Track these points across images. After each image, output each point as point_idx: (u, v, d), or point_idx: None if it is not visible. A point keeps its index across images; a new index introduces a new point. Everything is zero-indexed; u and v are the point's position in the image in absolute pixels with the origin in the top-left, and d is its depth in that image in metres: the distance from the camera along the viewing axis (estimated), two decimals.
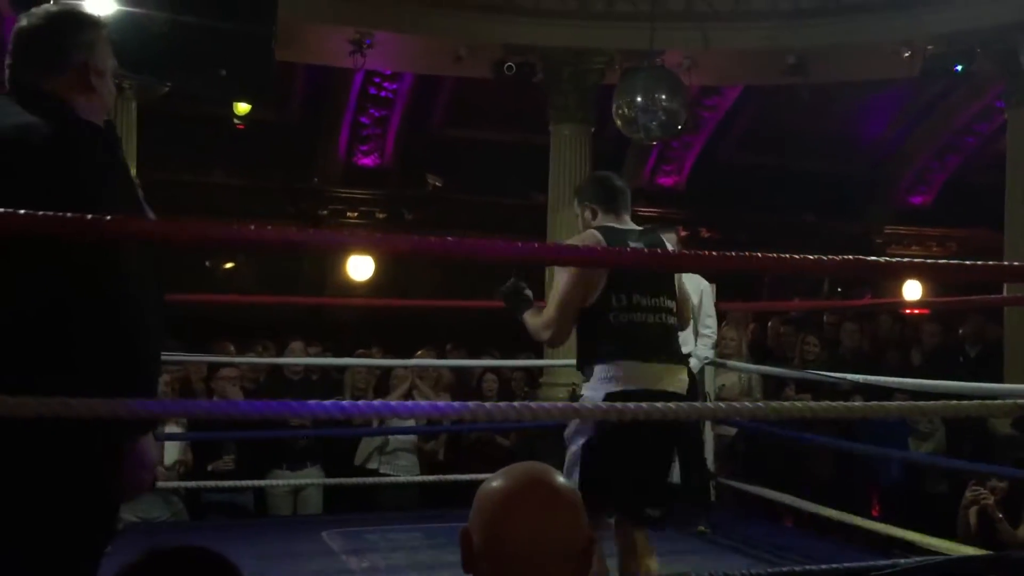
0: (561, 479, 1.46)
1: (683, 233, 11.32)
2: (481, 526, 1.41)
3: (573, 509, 1.43)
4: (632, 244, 3.38)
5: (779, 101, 10.67)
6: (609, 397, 3.22)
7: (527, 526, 1.38)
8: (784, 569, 3.10)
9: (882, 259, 2.83)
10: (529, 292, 3.52)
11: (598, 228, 3.41)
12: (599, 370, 3.31)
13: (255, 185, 11.08)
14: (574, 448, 3.30)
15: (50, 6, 2.15)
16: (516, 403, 2.17)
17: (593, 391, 3.31)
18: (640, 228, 3.63)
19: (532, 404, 2.32)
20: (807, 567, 3.06)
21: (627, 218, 3.56)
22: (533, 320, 3.46)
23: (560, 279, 3.37)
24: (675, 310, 3.49)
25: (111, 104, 2.11)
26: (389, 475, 6.20)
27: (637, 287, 3.37)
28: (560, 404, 2.59)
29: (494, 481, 1.44)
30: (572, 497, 1.44)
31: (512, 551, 1.38)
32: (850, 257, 2.26)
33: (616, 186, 3.60)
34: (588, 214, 3.53)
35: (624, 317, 3.33)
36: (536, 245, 2.41)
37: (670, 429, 3.35)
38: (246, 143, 10.48)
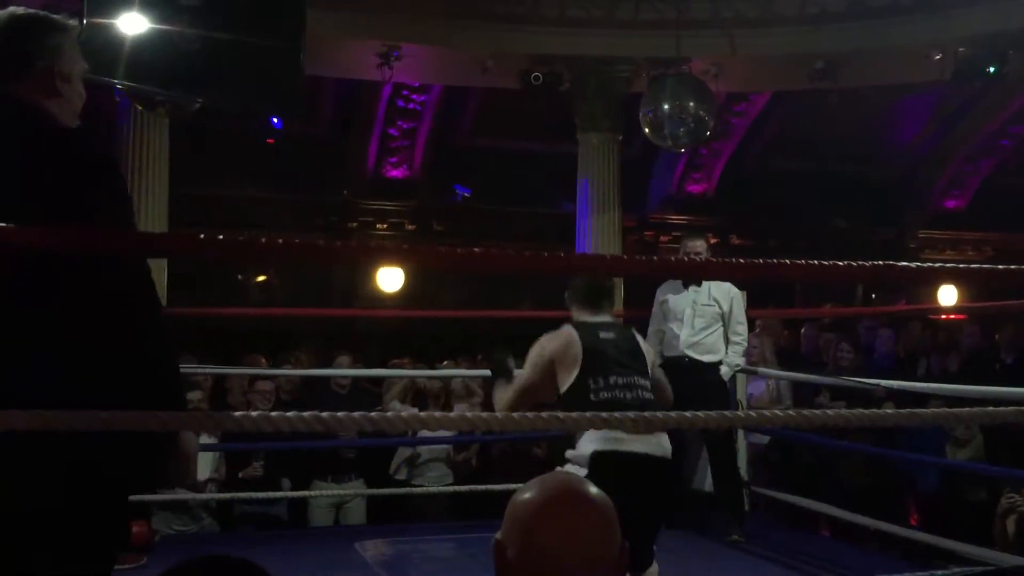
0: (594, 489, 1.45)
1: (713, 240, 11.27)
2: (514, 536, 1.40)
3: (607, 519, 1.42)
4: (602, 335, 3.60)
5: (808, 106, 10.61)
6: (596, 454, 3.34)
7: (561, 536, 1.37)
8: None
9: (914, 264, 2.79)
10: (512, 366, 3.77)
11: (573, 325, 3.68)
12: (587, 435, 3.42)
13: (285, 199, 11.17)
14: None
15: (15, 9, 2.05)
16: (545, 413, 2.17)
17: (581, 449, 3.42)
18: (612, 321, 3.85)
19: (561, 414, 2.31)
20: None
21: (605, 315, 3.77)
22: (498, 392, 3.69)
23: (528, 364, 3.62)
24: (650, 388, 3.61)
25: (79, 108, 2.06)
26: (421, 486, 6.21)
27: (611, 370, 3.53)
28: (588, 415, 2.57)
29: (527, 491, 1.44)
30: (605, 507, 1.43)
31: (546, 562, 1.37)
32: (881, 263, 2.24)
33: (598, 288, 3.79)
34: (572, 310, 3.80)
35: (605, 395, 3.47)
36: (560, 256, 2.40)
37: (656, 496, 3.46)
38: (276, 157, 10.57)
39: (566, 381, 3.50)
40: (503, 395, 3.64)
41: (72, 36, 2.07)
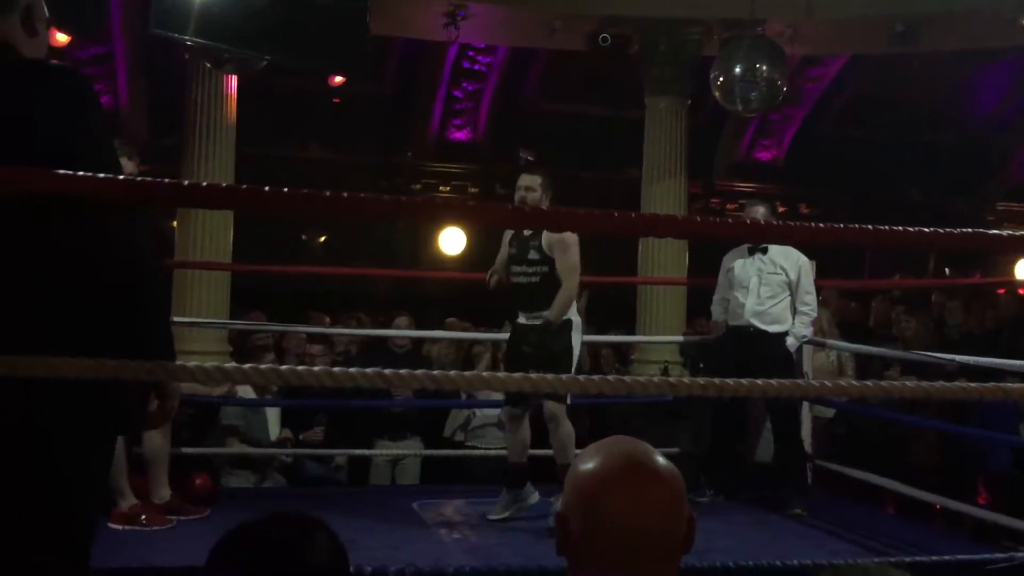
0: (662, 458, 1.39)
1: (781, 209, 11.04)
2: (577, 509, 1.34)
3: (675, 491, 1.35)
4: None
5: (885, 72, 10.26)
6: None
7: (627, 510, 1.31)
8: (892, 559, 2.97)
9: (997, 232, 2.66)
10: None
11: None
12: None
13: (349, 159, 11.22)
14: None
15: None
16: (611, 376, 2.11)
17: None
18: None
19: (627, 378, 2.26)
20: (916, 558, 2.92)
21: None
22: (560, 303, 4.56)
23: (572, 254, 4.57)
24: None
25: (46, 50, 2.11)
26: (478, 448, 6.24)
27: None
28: (656, 379, 2.51)
29: (589, 460, 1.37)
30: (673, 478, 1.36)
31: (612, 534, 1.31)
32: (956, 231, 2.11)
33: None
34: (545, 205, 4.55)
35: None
36: (633, 216, 2.34)
37: None
38: (341, 118, 10.60)
39: None
40: (564, 293, 4.55)
41: None
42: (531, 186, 4.59)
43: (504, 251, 4.85)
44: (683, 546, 1.35)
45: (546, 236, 4.60)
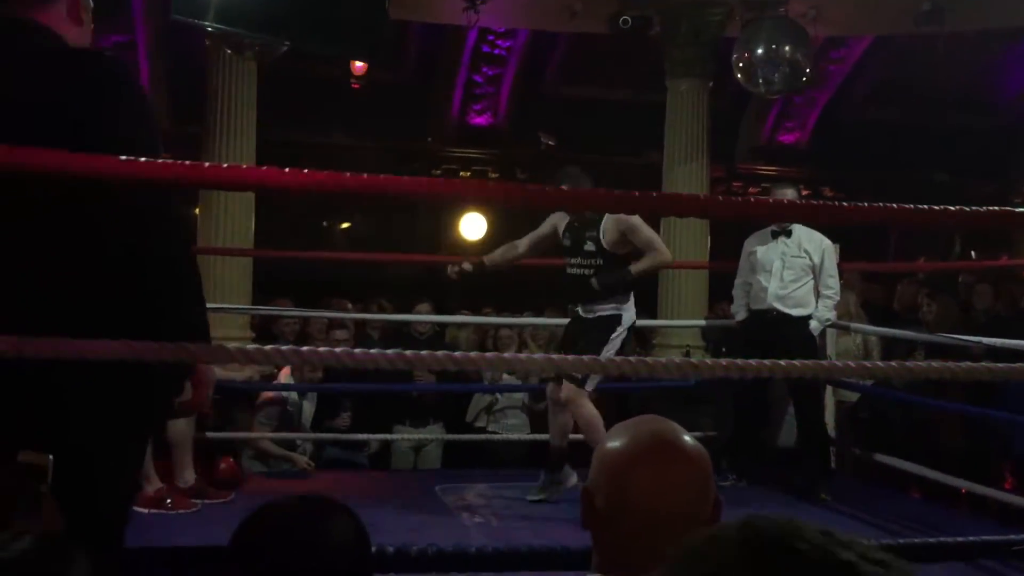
0: (690, 438, 1.37)
1: (804, 192, 10.94)
2: (603, 487, 1.33)
3: (703, 472, 1.34)
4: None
5: (911, 52, 10.12)
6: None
7: (654, 490, 1.30)
8: (916, 540, 2.95)
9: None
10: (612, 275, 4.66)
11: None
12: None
13: (369, 145, 11.22)
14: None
15: None
16: (633, 357, 2.10)
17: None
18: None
19: (648, 359, 2.24)
20: (940, 539, 2.90)
21: None
22: (648, 262, 4.67)
23: (645, 229, 4.61)
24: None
25: (90, 41, 2.11)
26: (497, 433, 6.25)
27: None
28: (677, 360, 2.49)
29: (617, 438, 1.36)
30: (701, 459, 1.35)
31: (636, 515, 1.30)
32: (983, 209, 2.08)
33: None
34: None
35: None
36: (654, 195, 2.32)
37: None
38: (361, 103, 10.59)
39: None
40: (652, 258, 4.64)
41: None
42: None
43: (539, 238, 4.97)
44: (710, 525, 1.34)
45: (607, 225, 4.61)
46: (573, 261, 4.70)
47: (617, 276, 4.58)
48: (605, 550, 1.34)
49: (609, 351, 4.60)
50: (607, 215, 4.61)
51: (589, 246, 4.63)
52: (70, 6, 2.02)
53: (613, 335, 4.62)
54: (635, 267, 4.62)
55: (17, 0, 1.97)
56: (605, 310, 4.65)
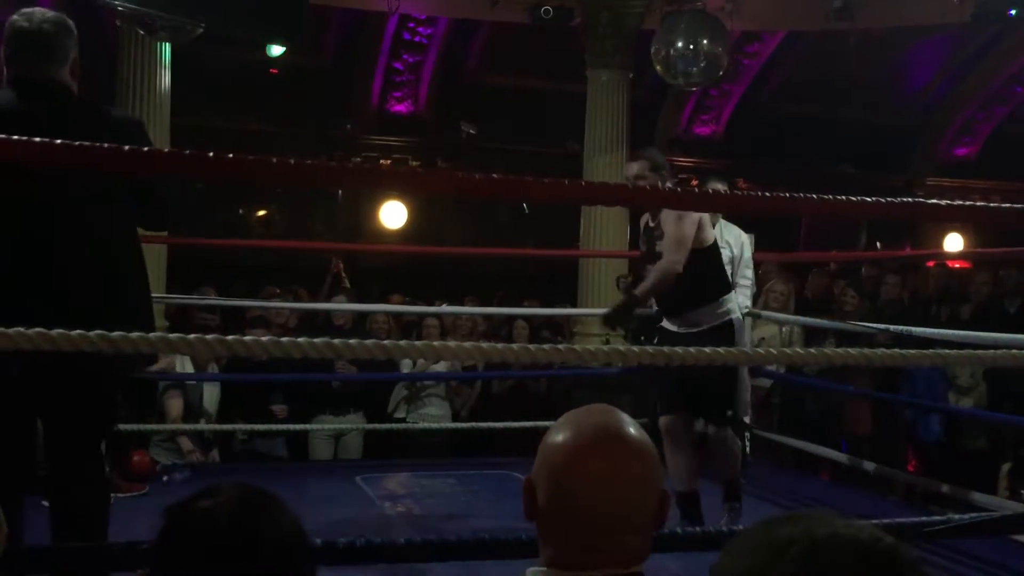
0: (635, 430, 1.34)
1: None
2: (547, 478, 1.31)
3: (647, 465, 1.32)
4: None
5: (822, 48, 10.40)
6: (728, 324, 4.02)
7: (595, 484, 1.28)
8: None
9: (927, 200, 2.72)
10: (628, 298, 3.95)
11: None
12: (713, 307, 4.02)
13: (287, 132, 11.03)
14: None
15: (46, 12, 2.80)
16: (561, 345, 2.11)
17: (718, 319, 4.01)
18: None
19: (577, 347, 2.26)
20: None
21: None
22: (657, 276, 3.88)
23: (680, 228, 3.84)
24: None
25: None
26: (419, 423, 6.23)
27: None
28: (606, 348, 2.52)
29: (560, 431, 1.33)
30: (646, 452, 1.32)
31: (578, 511, 1.28)
32: (894, 200, 2.16)
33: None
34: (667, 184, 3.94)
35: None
36: (582, 184, 2.33)
37: None
38: (279, 89, 10.41)
39: (705, 242, 3.96)
40: (662, 267, 3.84)
41: None
42: (640, 174, 3.88)
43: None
44: (653, 521, 1.32)
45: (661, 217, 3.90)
46: (651, 267, 3.96)
47: (621, 307, 3.88)
48: (550, 542, 1.32)
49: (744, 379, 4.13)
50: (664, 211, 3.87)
51: (660, 246, 3.90)
52: (72, 67, 2.77)
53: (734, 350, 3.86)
54: (640, 289, 3.90)
55: (47, 65, 2.71)
56: (710, 318, 3.95)
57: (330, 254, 7.94)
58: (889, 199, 2.03)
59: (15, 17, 2.69)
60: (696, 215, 3.84)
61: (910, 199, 2.17)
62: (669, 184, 3.90)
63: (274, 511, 1.27)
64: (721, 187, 5.38)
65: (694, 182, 11.50)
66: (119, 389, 2.85)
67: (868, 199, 1.96)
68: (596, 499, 1.28)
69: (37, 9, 2.79)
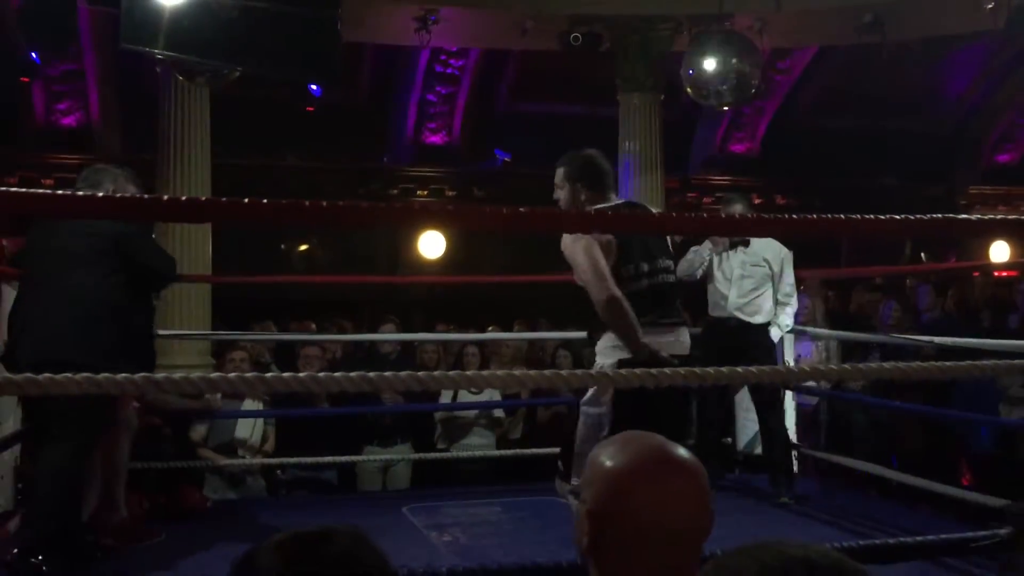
0: (685, 452, 1.36)
1: (757, 200, 11.11)
2: (609, 504, 1.30)
3: (703, 485, 1.34)
4: None
5: (855, 61, 10.35)
6: (621, 364, 3.32)
7: (662, 503, 1.29)
8: (877, 542, 3.01)
9: (967, 216, 2.70)
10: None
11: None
12: (608, 338, 3.48)
13: (325, 167, 11.20)
14: (600, 409, 3.46)
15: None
16: (594, 370, 2.13)
17: (604, 358, 3.48)
18: (626, 201, 4.01)
19: (609, 371, 2.27)
20: (902, 539, 2.96)
21: (613, 196, 3.80)
22: (609, 317, 3.40)
23: (584, 256, 3.41)
24: (672, 269, 3.66)
25: None
26: (465, 452, 6.25)
27: (641, 255, 3.52)
28: (639, 371, 2.53)
29: (615, 456, 1.33)
30: (701, 472, 1.34)
31: (645, 529, 1.28)
32: (931, 216, 2.15)
33: (605, 168, 3.80)
34: (582, 196, 3.68)
35: (633, 286, 3.48)
36: (607, 214, 2.36)
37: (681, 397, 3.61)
38: (316, 126, 10.58)
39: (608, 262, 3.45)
40: (597, 297, 3.36)
41: None
42: (558, 183, 3.77)
43: None
44: (705, 537, 1.35)
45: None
46: None
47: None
48: (609, 569, 1.31)
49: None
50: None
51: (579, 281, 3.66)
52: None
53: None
54: (626, 344, 3.44)
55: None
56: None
57: (372, 287, 8.00)
58: (911, 216, 2.03)
59: None
60: (580, 240, 3.45)
61: (939, 215, 2.15)
62: (585, 196, 3.64)
63: (380, 555, 1.27)
64: (740, 207, 5.33)
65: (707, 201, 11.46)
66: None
67: (897, 217, 1.96)
68: (664, 519, 1.29)
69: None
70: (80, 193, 1.90)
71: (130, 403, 4.21)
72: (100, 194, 1.91)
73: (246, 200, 1.82)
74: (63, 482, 3.60)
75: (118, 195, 2.03)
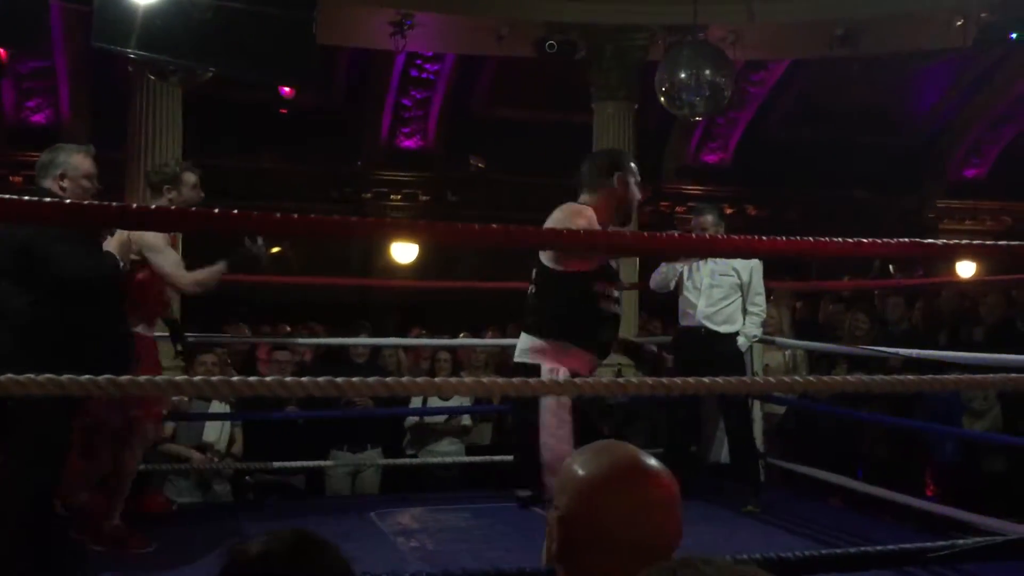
0: (655, 460, 1.37)
1: (728, 211, 11.20)
2: (579, 511, 1.30)
3: (674, 495, 1.35)
4: None
5: (827, 74, 10.47)
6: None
7: (634, 513, 1.29)
8: (838, 551, 3.04)
9: (936, 241, 2.74)
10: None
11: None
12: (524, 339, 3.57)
13: (299, 169, 11.16)
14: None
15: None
16: (561, 379, 2.14)
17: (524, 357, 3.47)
18: None
19: (578, 380, 2.28)
20: (862, 548, 3.00)
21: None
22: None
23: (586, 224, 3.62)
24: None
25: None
26: (434, 458, 6.24)
27: None
28: (605, 380, 2.55)
29: (587, 464, 1.34)
30: (672, 483, 1.35)
31: (615, 539, 1.29)
32: (903, 240, 2.18)
33: None
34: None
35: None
36: (580, 232, 2.38)
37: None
38: (291, 128, 10.54)
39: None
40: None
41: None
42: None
43: None
44: (674, 548, 1.35)
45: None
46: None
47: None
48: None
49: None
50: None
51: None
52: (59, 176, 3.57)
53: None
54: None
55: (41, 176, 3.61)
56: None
57: (345, 290, 7.98)
58: (877, 240, 2.06)
59: None
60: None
61: (907, 239, 2.19)
62: None
63: (328, 556, 1.29)
64: (711, 218, 5.37)
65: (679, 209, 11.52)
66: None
67: (863, 240, 1.98)
68: (635, 529, 1.29)
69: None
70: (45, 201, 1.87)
71: (151, 415, 4.22)
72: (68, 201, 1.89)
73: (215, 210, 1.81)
74: (19, 496, 3.41)
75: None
